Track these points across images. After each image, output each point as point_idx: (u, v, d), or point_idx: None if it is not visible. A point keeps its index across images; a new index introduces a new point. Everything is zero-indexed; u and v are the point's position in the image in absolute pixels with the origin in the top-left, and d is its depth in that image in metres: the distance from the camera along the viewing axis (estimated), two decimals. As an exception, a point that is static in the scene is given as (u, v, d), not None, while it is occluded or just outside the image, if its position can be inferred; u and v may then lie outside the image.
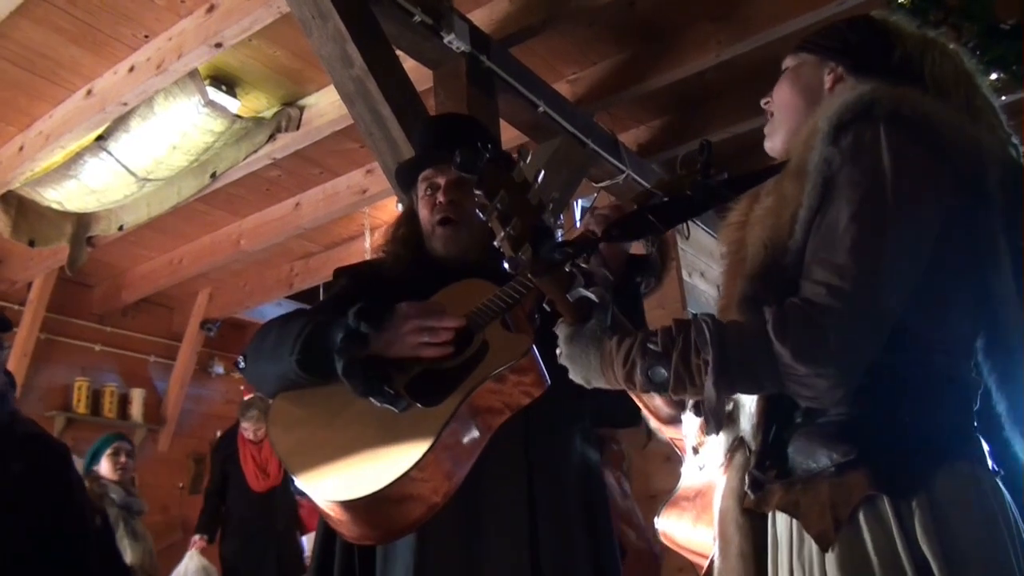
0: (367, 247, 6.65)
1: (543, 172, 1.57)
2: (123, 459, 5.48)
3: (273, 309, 8.39)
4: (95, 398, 7.54)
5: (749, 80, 5.16)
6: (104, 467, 5.35)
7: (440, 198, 2.31)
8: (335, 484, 1.86)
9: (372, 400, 1.89)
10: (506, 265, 1.56)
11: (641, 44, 4.98)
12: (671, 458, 5.44)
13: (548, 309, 1.62)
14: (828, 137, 1.47)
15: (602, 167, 5.22)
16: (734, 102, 5.39)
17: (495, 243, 1.54)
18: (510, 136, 4.74)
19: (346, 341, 1.92)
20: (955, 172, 1.46)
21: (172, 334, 8.30)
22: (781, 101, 1.78)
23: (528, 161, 1.57)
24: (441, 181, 2.33)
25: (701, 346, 1.40)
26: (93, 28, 4.35)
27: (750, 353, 1.38)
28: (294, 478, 1.95)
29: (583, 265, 1.56)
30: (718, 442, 1.65)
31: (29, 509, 2.91)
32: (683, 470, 1.85)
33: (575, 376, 1.57)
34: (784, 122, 1.76)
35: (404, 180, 2.48)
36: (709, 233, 5.72)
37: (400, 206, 6.22)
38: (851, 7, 4.32)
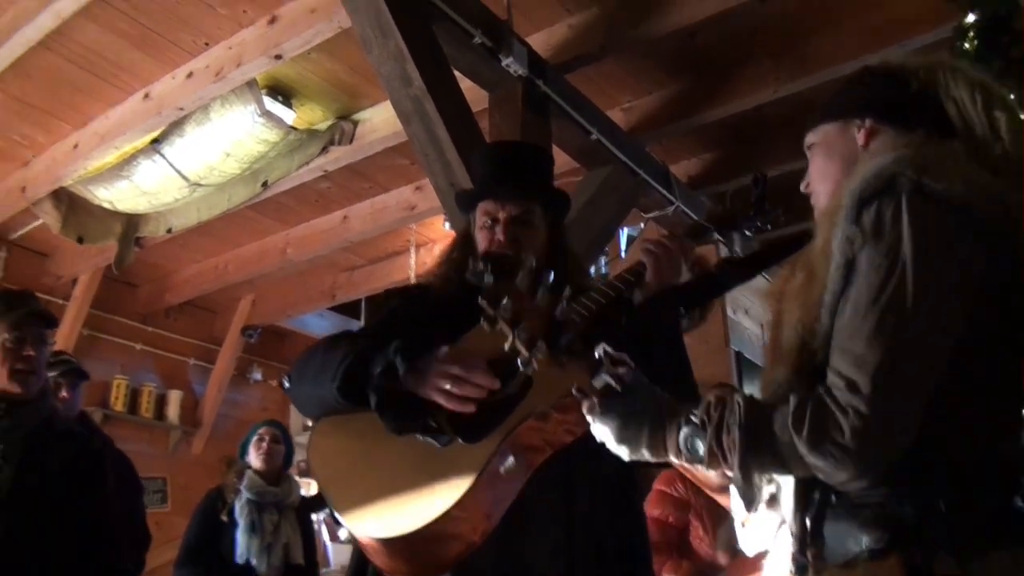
0: (412, 263, 6.66)
1: (552, 272, 1.60)
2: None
3: (315, 319, 8.43)
4: (133, 397, 7.57)
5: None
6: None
7: (499, 235, 2.28)
8: (374, 519, 1.83)
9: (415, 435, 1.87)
10: (520, 364, 1.57)
11: (698, 76, 4.96)
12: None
13: (577, 395, 1.61)
14: (850, 214, 1.41)
15: (652, 197, 5.19)
16: (789, 139, 5.24)
17: (505, 346, 1.55)
18: (562, 161, 4.70)
19: (382, 377, 1.90)
20: (986, 242, 1.39)
21: (213, 338, 8.34)
22: (818, 174, 1.72)
23: (534, 264, 1.60)
24: (501, 216, 2.30)
25: (731, 426, 1.40)
26: (154, 33, 4.39)
27: (775, 439, 1.37)
28: (332, 509, 1.93)
29: (608, 350, 1.56)
30: (765, 520, 1.61)
31: (63, 505, 2.93)
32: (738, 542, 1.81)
33: (616, 449, 1.56)
34: (825, 193, 1.70)
35: (463, 203, 2.47)
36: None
37: (447, 225, 6.25)
38: (914, 48, 4.28)
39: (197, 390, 8.20)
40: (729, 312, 5.70)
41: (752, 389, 5.48)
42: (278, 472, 5.06)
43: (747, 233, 2.36)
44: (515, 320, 1.52)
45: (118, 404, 7.39)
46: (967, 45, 3.26)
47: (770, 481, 1.55)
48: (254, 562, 4.66)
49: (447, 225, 6.29)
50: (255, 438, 5.09)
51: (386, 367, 1.90)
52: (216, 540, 4.77)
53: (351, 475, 1.94)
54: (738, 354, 5.65)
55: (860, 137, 1.64)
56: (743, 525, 1.70)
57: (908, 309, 1.34)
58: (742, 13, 4.30)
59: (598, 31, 4.38)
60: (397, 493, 1.84)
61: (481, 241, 2.34)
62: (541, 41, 4.45)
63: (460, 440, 1.84)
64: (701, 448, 1.43)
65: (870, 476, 1.33)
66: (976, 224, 1.38)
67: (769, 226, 2.31)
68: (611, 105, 5.10)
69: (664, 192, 5.18)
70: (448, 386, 1.86)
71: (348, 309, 8.19)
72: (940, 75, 1.59)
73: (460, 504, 1.74)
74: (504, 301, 1.51)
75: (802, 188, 1.78)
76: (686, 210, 5.32)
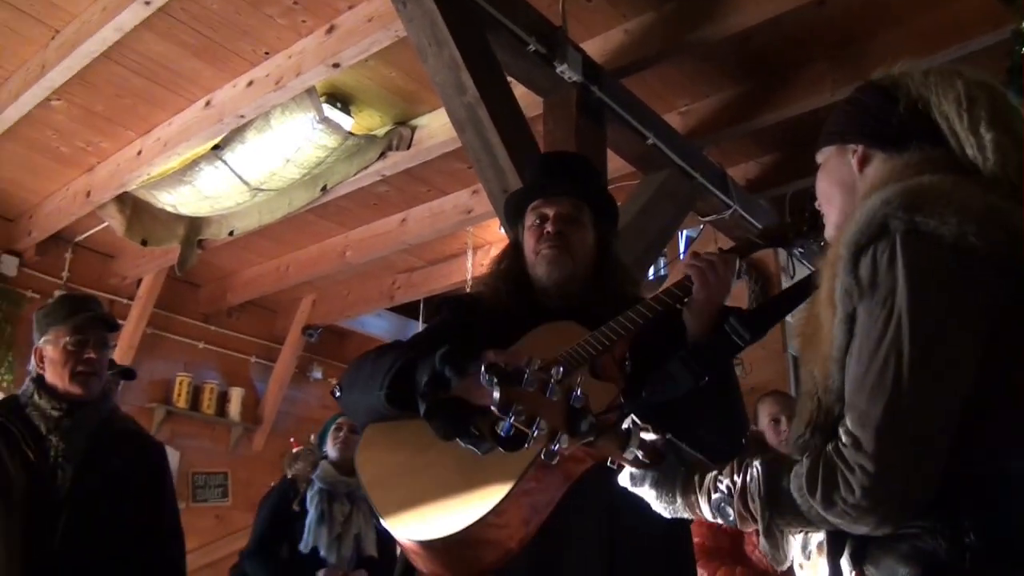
0: (469, 266, 6.70)
1: (563, 367, 1.63)
2: (343, 435, 4.97)
3: (373, 320, 8.52)
4: (195, 394, 7.72)
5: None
6: (328, 446, 5.00)
7: (549, 228, 2.33)
8: (414, 522, 1.87)
9: (457, 440, 1.90)
10: (543, 457, 1.61)
11: (755, 80, 4.93)
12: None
13: (614, 467, 1.67)
14: (848, 265, 1.40)
15: (709, 201, 5.17)
16: (847, 142, 5.27)
17: (525, 444, 1.60)
18: (617, 166, 4.73)
19: (430, 384, 1.93)
20: (991, 267, 1.35)
21: (274, 337, 8.47)
22: (822, 195, 1.73)
23: (537, 365, 1.64)
24: (550, 212, 2.35)
25: (753, 494, 1.44)
26: (214, 43, 4.48)
27: (794, 501, 1.40)
28: (374, 510, 1.98)
29: (636, 421, 1.62)
30: (819, 565, 1.64)
31: (126, 504, 3.00)
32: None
33: (664, 512, 1.62)
34: (830, 214, 1.72)
35: (512, 213, 2.50)
36: (812, 271, 5.62)
37: (503, 229, 6.28)
38: (972, 51, 4.22)
39: (258, 388, 8.35)
40: (787, 317, 5.64)
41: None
42: (352, 463, 5.01)
43: (798, 250, 2.36)
44: (531, 420, 1.58)
45: (180, 401, 7.56)
46: (1024, 50, 3.22)
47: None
48: (323, 552, 4.62)
49: (503, 229, 6.33)
50: (333, 428, 5.05)
51: (433, 374, 1.94)
52: (287, 530, 4.74)
53: (394, 479, 1.99)
54: (795, 358, 5.60)
55: (854, 163, 1.63)
56: (800, 567, 1.73)
57: (905, 360, 1.32)
58: (799, 15, 4.27)
59: (654, 36, 4.38)
60: (437, 498, 1.88)
61: (530, 241, 2.37)
62: (597, 47, 4.45)
63: (500, 448, 1.88)
64: (731, 513, 1.49)
65: (890, 524, 1.34)
66: (975, 255, 1.34)
67: (821, 243, 2.30)
68: (668, 109, 5.10)
69: (721, 196, 5.16)
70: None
71: (407, 310, 8.27)
72: (931, 89, 1.56)
73: (496, 511, 1.77)
74: (515, 406, 1.58)
75: (815, 205, 1.80)
76: (743, 213, 5.29)
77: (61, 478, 2.91)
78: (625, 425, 1.59)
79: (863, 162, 1.62)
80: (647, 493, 1.60)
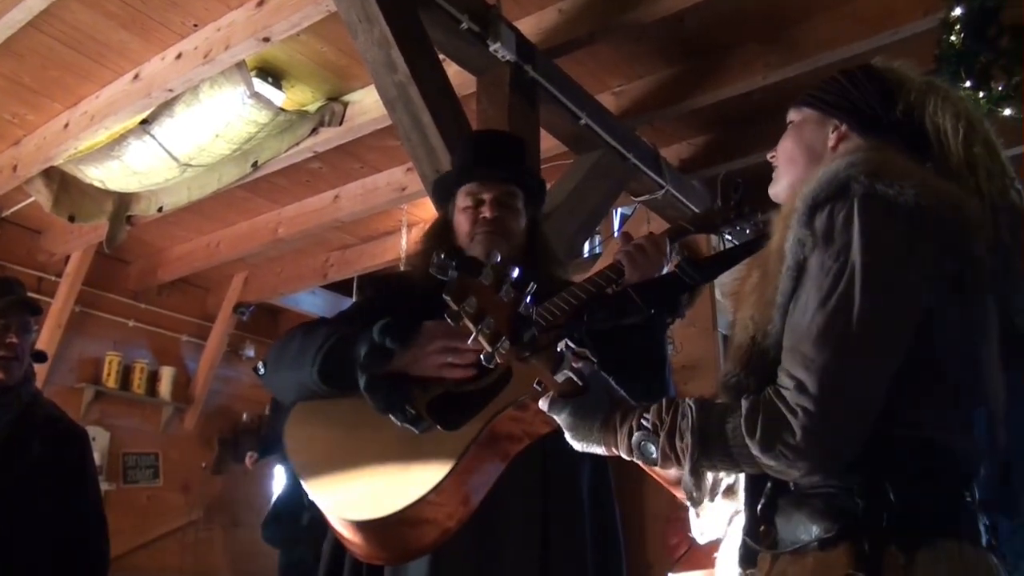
0: (403, 243, 6.66)
1: (519, 269, 1.58)
2: None
3: (307, 297, 8.45)
4: (125, 373, 7.59)
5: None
6: None
7: (486, 213, 2.34)
8: (349, 502, 1.86)
9: (392, 418, 1.89)
10: (483, 359, 1.57)
11: (689, 61, 4.95)
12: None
13: (539, 388, 1.63)
14: (803, 218, 1.45)
15: (642, 181, 5.20)
16: (780, 125, 5.30)
17: (468, 341, 1.56)
18: (549, 145, 4.73)
19: (370, 356, 1.93)
20: (939, 243, 1.42)
21: (205, 315, 8.35)
22: (785, 153, 1.77)
23: (499, 260, 1.58)
24: (487, 196, 2.36)
25: (683, 432, 1.43)
26: (143, 14, 4.38)
27: (727, 442, 1.40)
28: (307, 491, 1.95)
29: (570, 345, 1.59)
30: (720, 509, 1.64)
31: (46, 491, 2.95)
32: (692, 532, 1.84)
33: (575, 443, 1.59)
34: (785, 174, 1.76)
35: (442, 192, 2.49)
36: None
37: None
38: (904, 37, 4.27)
39: (190, 367, 8.23)
40: (717, 296, 5.71)
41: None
42: None
43: (727, 236, 2.38)
44: (479, 316, 1.52)
45: (110, 381, 7.44)
46: (953, 38, 3.27)
47: (728, 474, 1.59)
48: None
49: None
50: None
51: (372, 347, 1.93)
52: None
53: (327, 458, 1.96)
54: (724, 336, 5.68)
55: (832, 138, 1.68)
56: (698, 515, 1.73)
57: (855, 312, 1.36)
58: (732, -2, 4.30)
59: (588, 16, 4.37)
60: (373, 477, 1.87)
61: (463, 223, 2.37)
62: (531, 26, 4.43)
63: (439, 427, 1.87)
64: (654, 451, 1.47)
65: (821, 473, 1.37)
66: (928, 226, 1.40)
67: (748, 230, 2.33)
68: (601, 89, 5.10)
69: (654, 176, 5.19)
70: (450, 358, 1.91)
71: (340, 287, 8.20)
72: (931, 100, 1.62)
73: (438, 489, 1.77)
74: (469, 297, 1.52)
75: (768, 156, 1.84)
76: (676, 194, 5.33)
77: None
78: (560, 348, 1.57)
79: (840, 140, 1.67)
80: (564, 420, 1.58)
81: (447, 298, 1.53)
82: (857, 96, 1.69)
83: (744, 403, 1.41)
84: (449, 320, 1.55)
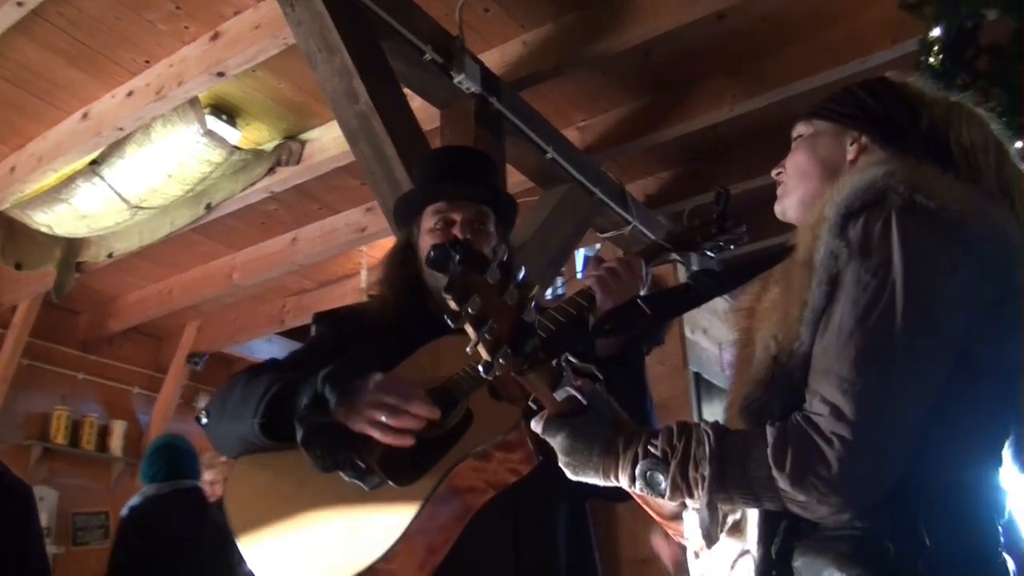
0: (363, 286, 6.51)
1: (524, 270, 1.40)
2: None
3: (264, 345, 8.22)
4: (74, 428, 7.26)
5: (762, 136, 5.09)
6: None
7: (457, 233, 2.15)
8: (288, 571, 1.68)
9: (340, 474, 1.70)
10: (481, 370, 1.38)
11: (654, 94, 4.89)
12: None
13: (535, 407, 1.48)
14: (835, 228, 1.34)
15: (608, 217, 5.10)
16: (746, 157, 5.30)
17: (467, 349, 1.38)
18: (516, 180, 4.62)
19: (310, 408, 1.74)
20: (979, 265, 1.32)
21: (158, 366, 8.08)
22: (796, 167, 1.67)
23: (506, 256, 1.41)
24: (456, 217, 2.18)
25: (699, 460, 1.30)
26: (93, 50, 4.22)
27: (748, 472, 1.28)
28: (246, 561, 1.75)
29: (571, 360, 1.43)
30: (724, 550, 1.49)
31: None
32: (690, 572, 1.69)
33: (569, 471, 1.44)
34: (797, 188, 1.66)
35: (405, 212, 2.31)
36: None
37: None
38: (873, 67, 4.23)
39: (141, 420, 7.91)
40: (687, 332, 5.62)
41: (710, 410, 5.44)
42: None
43: (708, 253, 2.24)
44: (482, 320, 1.33)
45: (59, 436, 7.11)
46: (932, 59, 3.21)
47: (734, 509, 1.46)
48: None
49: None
50: None
51: (314, 398, 1.75)
52: None
53: (268, 521, 1.77)
54: (696, 374, 5.57)
55: (851, 151, 1.59)
56: (696, 556, 1.59)
57: (897, 333, 1.26)
58: (699, 29, 4.24)
59: (553, 48, 4.28)
60: (318, 543, 1.69)
61: (429, 246, 2.17)
62: (495, 58, 4.34)
63: (391, 483, 1.69)
64: (662, 481, 1.34)
65: (853, 510, 1.26)
66: (969, 244, 1.31)
67: (732, 245, 2.21)
68: (566, 124, 5.01)
69: (620, 212, 5.10)
70: (383, 417, 1.69)
71: (298, 334, 7.99)
72: (955, 117, 1.53)
73: (389, 556, 1.60)
74: (473, 296, 1.34)
75: (772, 173, 1.74)
76: (643, 229, 5.24)
77: None
78: (561, 364, 1.40)
79: (861, 152, 1.57)
80: (560, 444, 1.42)
81: (448, 296, 1.33)
82: (877, 107, 1.60)
83: (770, 430, 1.29)
84: (448, 321, 1.35)
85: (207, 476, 5.79)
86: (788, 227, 1.64)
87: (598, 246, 5.45)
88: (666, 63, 4.63)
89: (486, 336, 1.34)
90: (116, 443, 7.54)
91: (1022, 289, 1.34)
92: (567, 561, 2.00)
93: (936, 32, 3.20)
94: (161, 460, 5.00)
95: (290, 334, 7.98)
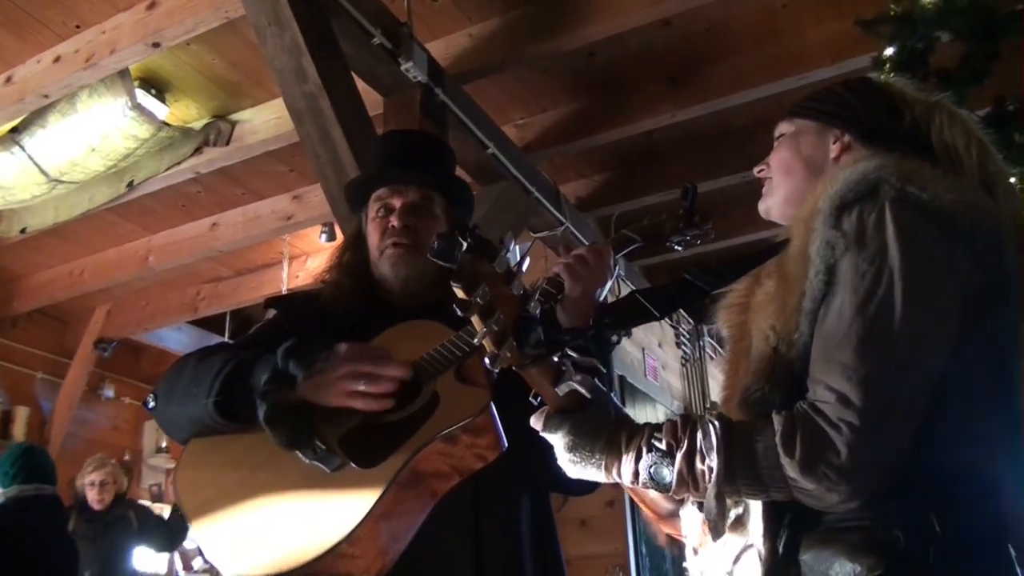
0: (284, 277, 6.37)
1: (528, 260, 1.37)
2: None
3: (173, 333, 8.00)
4: (-24, 413, 6.98)
5: (696, 144, 5.15)
6: None
7: (394, 222, 2.07)
8: (245, 555, 1.58)
9: (299, 455, 1.63)
10: (487, 362, 1.35)
11: (594, 97, 4.90)
12: (585, 523, 5.30)
13: (534, 402, 1.45)
14: (829, 219, 1.35)
15: (542, 217, 5.10)
16: (679, 165, 5.35)
17: (475, 341, 1.32)
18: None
19: (271, 383, 1.66)
20: (972, 252, 1.33)
21: (64, 350, 7.78)
22: (780, 164, 1.68)
23: (510, 247, 1.36)
24: (396, 203, 2.10)
25: (707, 451, 1.30)
26: (20, 9, 4.03)
27: (757, 463, 1.27)
28: (200, 545, 1.66)
29: (572, 355, 1.41)
30: (726, 545, 1.46)
31: None
32: (688, 570, 1.65)
33: (570, 468, 1.42)
34: (781, 185, 1.67)
35: (354, 199, 2.24)
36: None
37: (324, 237, 6.00)
38: (813, 83, 4.29)
39: (45, 406, 7.63)
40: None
41: (634, 415, 5.44)
42: None
43: (676, 247, 2.23)
44: (489, 310, 1.29)
45: (-41, 421, 6.82)
46: (883, 78, 3.27)
47: (737, 503, 1.44)
48: None
49: (323, 237, 6.04)
50: None
51: (275, 373, 1.68)
52: None
53: (223, 504, 1.68)
54: (620, 378, 5.59)
55: (834, 149, 1.61)
56: (695, 552, 1.56)
57: (897, 318, 1.27)
58: (645, 34, 4.27)
59: (498, 43, 4.25)
60: (277, 526, 1.60)
61: (373, 233, 2.12)
62: (440, 49, 4.27)
63: (353, 465, 1.62)
64: (667, 476, 1.32)
65: (862, 497, 1.25)
66: (962, 233, 1.32)
67: (699, 240, 2.20)
68: (505, 120, 4.98)
69: (554, 212, 5.09)
70: (362, 386, 1.64)
71: (211, 323, 7.80)
72: (937, 116, 1.54)
73: (350, 539, 1.52)
74: (481, 286, 1.28)
75: (755, 171, 1.76)
76: (575, 231, 5.25)
77: None
78: (563, 356, 1.37)
79: (844, 150, 1.59)
80: (561, 440, 1.40)
81: (456, 285, 1.29)
82: (859, 106, 1.62)
83: (777, 419, 1.28)
84: (458, 310, 1.30)
85: (95, 476, 5.64)
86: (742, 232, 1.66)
87: (530, 244, 5.42)
88: (608, 66, 4.64)
89: (493, 327, 1.30)
90: (19, 430, 7.26)
91: (1015, 275, 1.36)
92: (531, 553, 1.95)
93: (889, 51, 3.25)
94: (23, 462, 4.82)
95: (203, 323, 7.79)
